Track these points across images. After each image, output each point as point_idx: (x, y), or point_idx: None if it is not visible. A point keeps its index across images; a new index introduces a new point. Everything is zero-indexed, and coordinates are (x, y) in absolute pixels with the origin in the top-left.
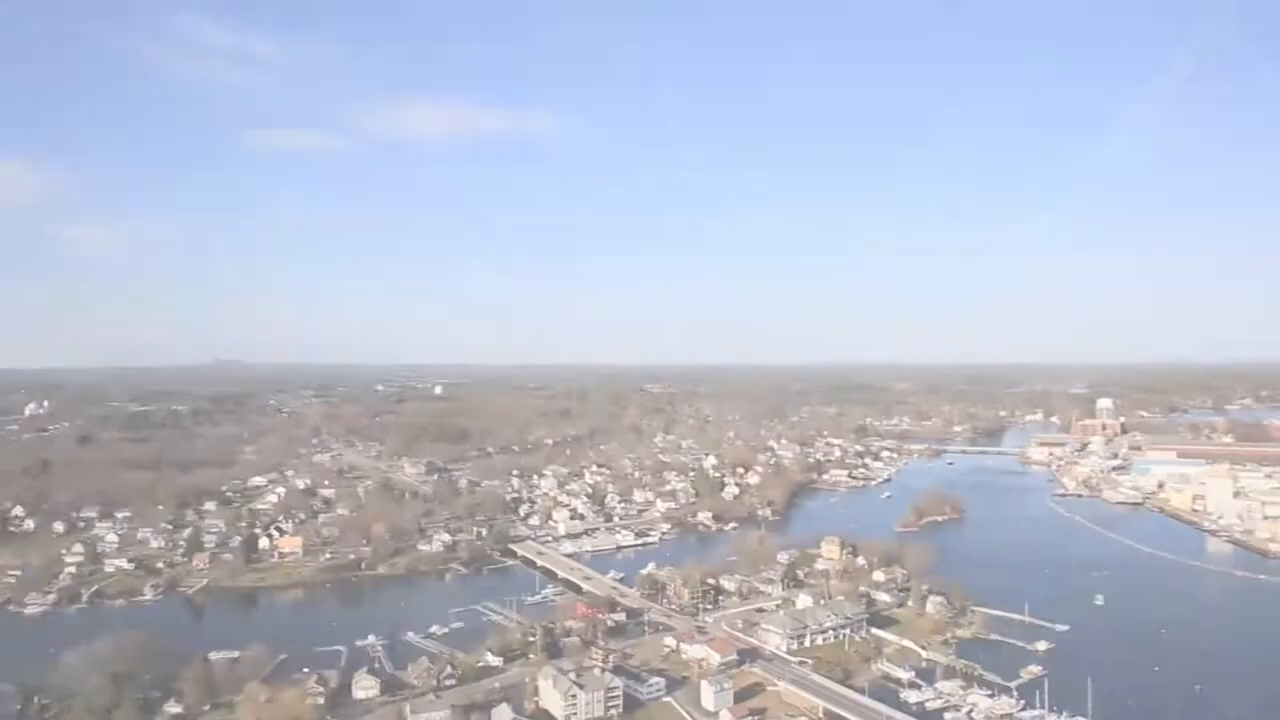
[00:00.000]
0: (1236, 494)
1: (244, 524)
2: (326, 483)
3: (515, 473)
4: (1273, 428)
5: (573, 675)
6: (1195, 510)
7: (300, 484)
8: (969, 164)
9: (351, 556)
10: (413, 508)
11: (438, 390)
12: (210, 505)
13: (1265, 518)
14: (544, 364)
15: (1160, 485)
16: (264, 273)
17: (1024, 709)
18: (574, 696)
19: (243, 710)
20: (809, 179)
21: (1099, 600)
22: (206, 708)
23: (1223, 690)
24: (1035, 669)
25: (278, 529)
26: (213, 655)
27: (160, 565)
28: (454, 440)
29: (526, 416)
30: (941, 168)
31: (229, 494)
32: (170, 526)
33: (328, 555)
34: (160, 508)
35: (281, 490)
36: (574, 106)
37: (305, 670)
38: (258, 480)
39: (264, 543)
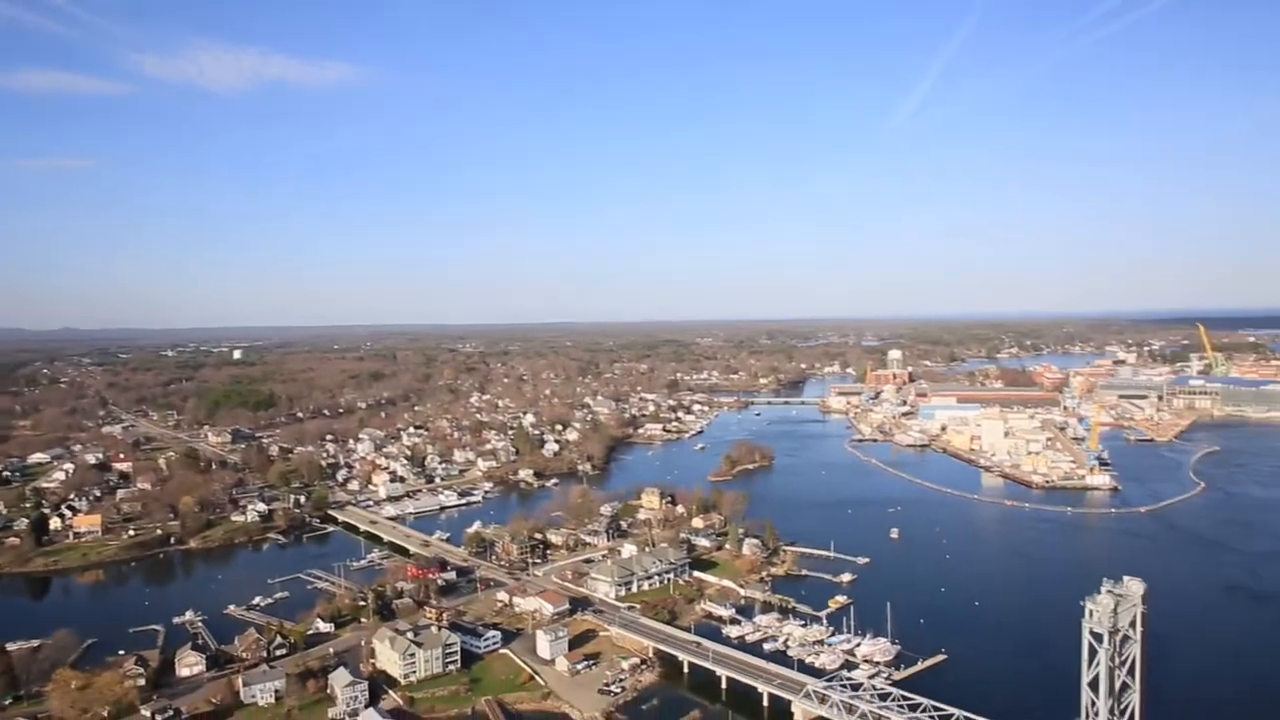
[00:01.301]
0: (1006, 434)
1: (29, 504)
2: (122, 456)
3: (329, 437)
4: (1035, 373)
5: (410, 634)
6: (973, 449)
7: (91, 459)
8: (767, 126)
9: (159, 532)
10: (222, 478)
11: (236, 355)
12: None
13: (1029, 453)
14: (347, 325)
15: (943, 428)
16: (24, 229)
17: (833, 634)
18: (412, 655)
19: (54, 699)
20: (611, 140)
21: (894, 534)
22: (8, 701)
23: (995, 603)
24: (841, 599)
25: (70, 508)
26: (9, 646)
27: None
28: (260, 406)
29: (336, 380)
30: (741, 130)
31: (5, 473)
32: None
33: (131, 532)
34: None
35: (69, 466)
36: (368, 58)
37: (121, 652)
38: (40, 456)
39: (55, 523)
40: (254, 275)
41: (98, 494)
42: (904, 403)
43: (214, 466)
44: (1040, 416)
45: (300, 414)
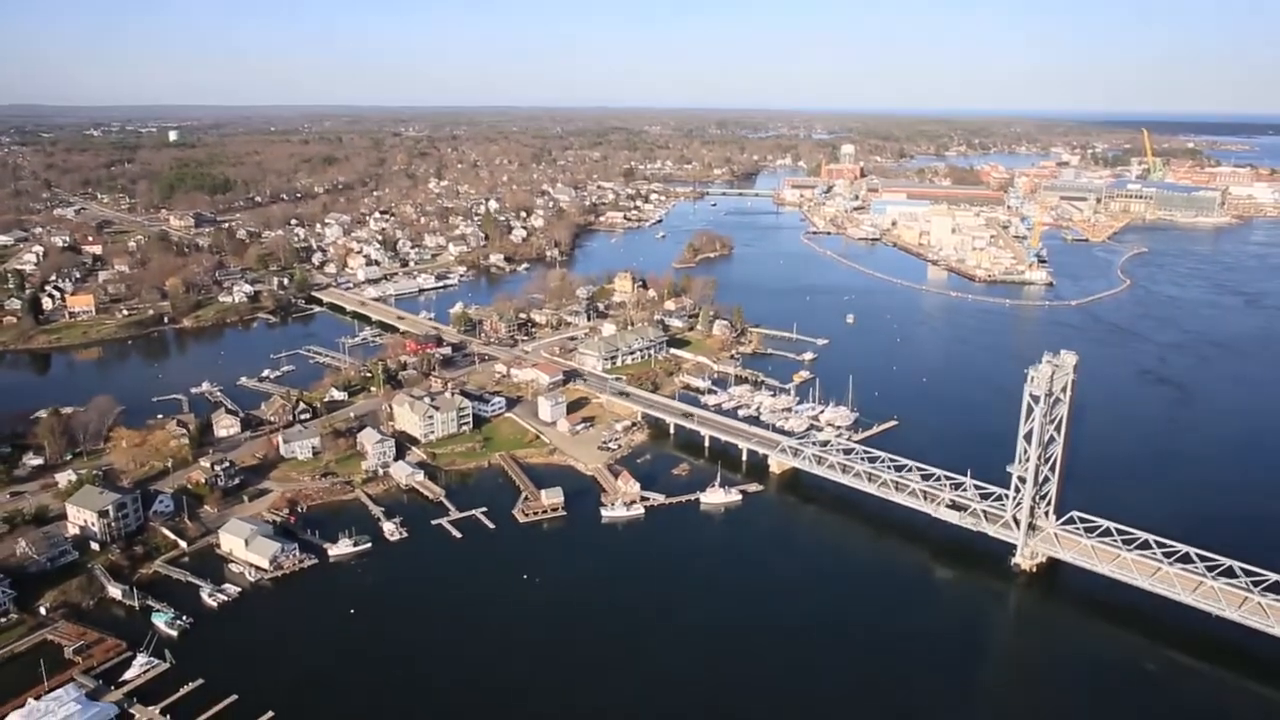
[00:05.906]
0: (953, 230)
1: (11, 285)
2: (90, 239)
3: (295, 222)
4: (983, 173)
5: (427, 399)
6: (921, 244)
7: (59, 241)
8: None
9: (151, 312)
10: (199, 261)
11: (173, 136)
12: None
13: (974, 249)
14: (277, 105)
15: (893, 223)
16: None
17: (799, 403)
18: (431, 417)
19: (114, 454)
20: None
21: (849, 319)
22: (69, 456)
23: (940, 379)
24: (805, 374)
25: (56, 289)
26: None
27: None
28: (216, 190)
29: (287, 164)
30: None
31: None
32: None
33: (124, 312)
34: None
35: (38, 249)
36: None
37: (160, 416)
38: (2, 239)
39: (48, 303)
40: (175, 51)
41: (78, 275)
42: (856, 197)
43: (186, 250)
44: (985, 215)
45: (258, 198)
